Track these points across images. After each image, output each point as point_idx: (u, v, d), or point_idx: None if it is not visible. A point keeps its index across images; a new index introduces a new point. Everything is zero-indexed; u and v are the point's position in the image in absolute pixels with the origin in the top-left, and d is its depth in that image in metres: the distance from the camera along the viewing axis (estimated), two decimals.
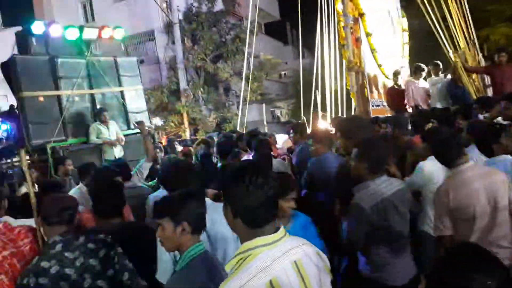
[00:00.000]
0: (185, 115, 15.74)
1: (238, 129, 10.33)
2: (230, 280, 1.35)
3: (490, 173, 2.66)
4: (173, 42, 16.17)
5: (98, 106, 7.42)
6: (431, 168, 3.36)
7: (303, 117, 9.66)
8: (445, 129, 3.14)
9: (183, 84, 15.99)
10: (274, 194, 1.44)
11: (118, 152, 7.09)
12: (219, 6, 16.42)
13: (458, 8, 8.46)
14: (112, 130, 7.16)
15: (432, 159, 3.34)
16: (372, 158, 2.55)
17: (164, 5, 16.33)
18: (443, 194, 2.63)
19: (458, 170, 2.64)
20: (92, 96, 7.49)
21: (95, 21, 17.19)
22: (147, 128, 5.95)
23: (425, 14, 8.34)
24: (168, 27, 16.42)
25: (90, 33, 7.29)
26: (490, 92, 7.74)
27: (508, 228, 2.56)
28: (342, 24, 8.25)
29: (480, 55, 8.44)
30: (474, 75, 8.11)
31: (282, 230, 1.48)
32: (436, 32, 8.40)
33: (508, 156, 3.03)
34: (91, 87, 7.45)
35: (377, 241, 2.50)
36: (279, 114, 24.63)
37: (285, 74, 25.74)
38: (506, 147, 3.00)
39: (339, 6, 8.27)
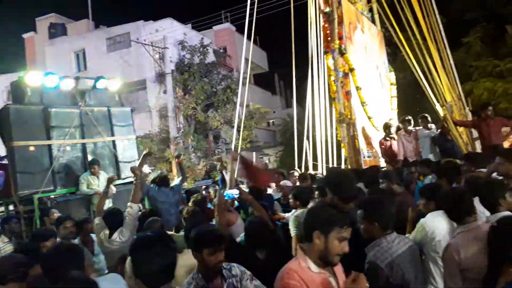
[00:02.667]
0: (173, 163, 15.64)
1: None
2: None
3: None
4: (165, 92, 16.41)
5: (89, 156, 7.33)
6: (433, 225, 3.26)
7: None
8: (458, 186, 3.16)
9: (173, 132, 16.04)
10: (172, 262, 1.83)
11: (107, 203, 6.91)
12: (210, 58, 16.86)
13: (442, 62, 8.84)
14: (102, 181, 7.03)
15: (432, 216, 3.31)
16: (382, 216, 2.52)
17: (157, 56, 16.72)
18: (454, 252, 2.58)
19: (469, 228, 2.61)
20: (83, 146, 7.41)
21: (87, 70, 17.41)
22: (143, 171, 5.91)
23: (412, 68, 8.68)
24: (160, 77, 16.71)
25: (85, 84, 7.34)
26: (477, 145, 7.94)
27: None
28: (332, 78, 8.50)
29: (467, 108, 8.72)
30: (461, 129, 8.33)
31: None
32: (422, 85, 8.72)
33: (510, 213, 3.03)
34: (83, 137, 7.38)
35: None
36: (267, 161, 24.73)
37: (273, 122, 26.13)
38: (510, 204, 3.00)
39: (329, 61, 8.55)
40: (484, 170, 4.55)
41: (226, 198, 3.74)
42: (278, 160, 22.88)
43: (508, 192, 3.01)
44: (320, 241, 2.02)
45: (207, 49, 16.41)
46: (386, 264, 2.40)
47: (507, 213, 3.03)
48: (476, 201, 3.25)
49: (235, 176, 4.83)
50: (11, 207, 6.92)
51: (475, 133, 8.05)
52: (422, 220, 3.42)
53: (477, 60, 13.83)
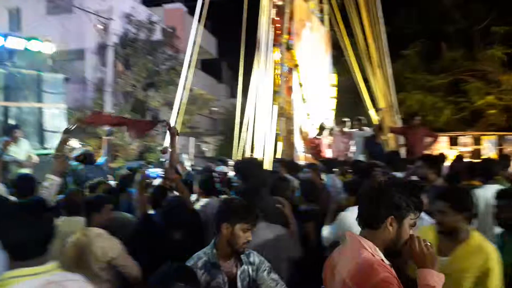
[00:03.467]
0: (104, 140, 14.96)
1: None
2: None
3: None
4: (104, 65, 15.61)
5: (11, 121, 6.80)
6: (351, 220, 3.44)
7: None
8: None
9: (108, 108, 15.33)
10: (45, 234, 1.64)
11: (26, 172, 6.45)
12: (157, 36, 16.30)
13: (381, 71, 9.33)
14: (22, 149, 6.54)
15: (352, 210, 3.48)
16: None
17: (100, 26, 15.84)
18: None
19: None
20: (6, 109, 6.85)
21: (22, 32, 16.06)
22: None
23: (353, 73, 9.07)
24: (101, 49, 15.85)
25: (15, 43, 6.78)
26: (403, 151, 8.48)
27: None
28: (277, 71, 8.63)
29: (397, 116, 9.27)
30: (390, 134, 8.84)
31: (52, 265, 1.65)
32: (360, 90, 9.14)
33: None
34: (6, 99, 6.82)
35: None
36: (205, 149, 24.54)
37: (216, 110, 25.97)
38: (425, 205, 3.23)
39: (276, 55, 8.65)
40: (399, 173, 4.90)
41: (150, 176, 3.65)
42: (217, 148, 22.81)
43: (423, 194, 3.23)
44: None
45: (154, 26, 15.85)
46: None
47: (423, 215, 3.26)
48: None
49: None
50: None
51: (401, 141, 8.58)
52: (342, 213, 3.58)
53: (413, 72, 14.77)
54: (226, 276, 2.23)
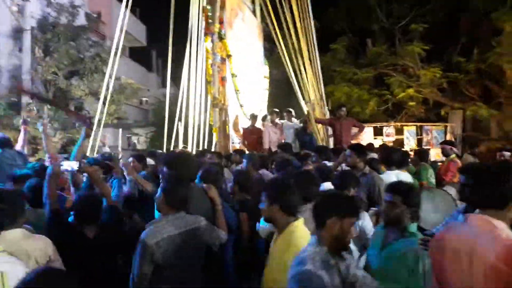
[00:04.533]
0: (21, 130, 13.79)
1: (87, 154, 9.46)
2: None
3: None
4: (20, 50, 14.30)
5: None
6: None
7: None
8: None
9: (26, 97, 14.11)
10: None
11: None
12: (81, 21, 15.25)
13: (311, 64, 9.57)
14: None
15: None
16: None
17: (15, 8, 14.47)
18: None
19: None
20: None
21: None
22: None
23: (285, 65, 9.19)
24: (16, 33, 14.50)
25: None
26: (331, 141, 8.81)
27: None
28: (210, 61, 8.48)
29: (327, 108, 9.59)
30: (319, 125, 9.13)
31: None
32: (292, 83, 9.31)
33: None
34: None
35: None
36: (136, 141, 23.65)
37: (146, 101, 25.07)
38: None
39: (208, 44, 8.49)
40: (328, 162, 5.07)
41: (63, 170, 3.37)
42: (148, 140, 22.09)
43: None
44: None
45: (77, 11, 14.79)
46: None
47: None
48: None
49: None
50: None
51: (330, 131, 8.90)
52: None
53: (340, 66, 15.39)
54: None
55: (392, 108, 15.43)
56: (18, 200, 2.56)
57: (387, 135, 12.76)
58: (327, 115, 9.55)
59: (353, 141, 7.67)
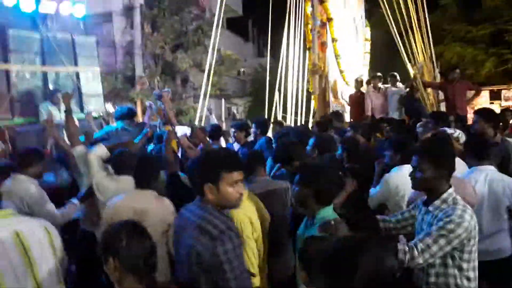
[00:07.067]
0: (138, 103, 15.15)
1: (196, 123, 10.10)
2: None
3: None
4: (132, 27, 15.51)
5: (50, 86, 6.92)
6: (397, 181, 3.26)
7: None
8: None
9: (139, 71, 15.37)
10: None
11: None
12: None
13: (419, 23, 8.84)
14: (63, 112, 6.69)
15: (398, 170, 3.37)
16: None
17: None
18: None
19: None
20: (44, 74, 6.97)
21: None
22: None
23: (389, 26, 8.62)
24: (128, 11, 15.72)
25: (47, 7, 6.77)
26: (442, 107, 8.17)
27: None
28: (309, 26, 8.32)
29: (437, 70, 8.85)
30: (429, 90, 8.50)
31: (9, 210, 1.94)
32: (397, 45, 8.73)
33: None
34: (44, 64, 6.92)
35: None
36: (235, 111, 24.52)
37: (243, 71, 25.64)
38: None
39: (308, 9, 8.32)
40: (447, 129, 4.70)
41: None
42: (246, 110, 22.74)
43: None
44: None
45: None
46: None
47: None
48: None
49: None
50: None
51: (441, 95, 8.25)
52: (386, 175, 3.46)
53: (451, 23, 13.96)
54: None
55: None
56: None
57: (506, 99, 11.42)
58: (438, 79, 8.82)
59: (468, 107, 7.05)
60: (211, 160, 1.93)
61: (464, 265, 2.11)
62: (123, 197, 2.77)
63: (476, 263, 2.18)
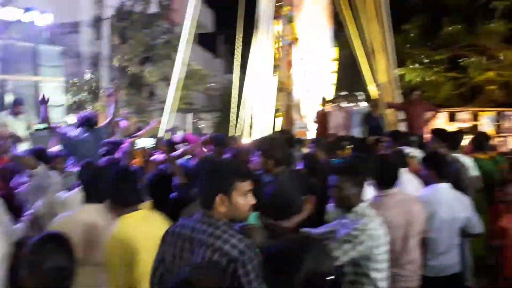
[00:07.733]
0: (102, 115, 14.84)
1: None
2: None
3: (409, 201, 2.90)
4: (99, 38, 15.31)
5: (7, 94, 6.69)
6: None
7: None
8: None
9: (104, 83, 15.13)
10: None
11: (24, 148, 6.39)
12: (153, 8, 15.94)
13: (382, 45, 9.19)
14: (22, 124, 6.47)
15: None
16: None
17: None
18: None
19: (387, 193, 2.81)
20: (2, 83, 6.74)
21: (18, 3, 15.64)
22: None
23: (354, 48, 8.92)
24: (96, 22, 15.51)
25: (10, 14, 6.60)
26: (401, 127, 8.46)
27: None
28: (278, 45, 8.50)
29: (398, 91, 9.20)
30: (390, 110, 8.81)
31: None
32: (360, 65, 9.04)
33: None
34: (3, 72, 6.70)
35: None
36: (202, 126, 24.43)
37: (212, 86, 25.67)
38: None
39: (277, 28, 8.51)
40: (405, 147, 4.88)
41: None
42: (214, 125, 22.70)
43: None
44: None
45: None
46: None
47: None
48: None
49: None
50: None
51: (401, 116, 8.55)
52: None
53: (413, 47, 14.60)
54: None
55: (468, 92, 14.40)
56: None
57: (462, 121, 11.95)
58: (398, 100, 9.17)
59: (426, 127, 7.34)
60: (224, 169, 1.83)
61: (373, 274, 2.21)
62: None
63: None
